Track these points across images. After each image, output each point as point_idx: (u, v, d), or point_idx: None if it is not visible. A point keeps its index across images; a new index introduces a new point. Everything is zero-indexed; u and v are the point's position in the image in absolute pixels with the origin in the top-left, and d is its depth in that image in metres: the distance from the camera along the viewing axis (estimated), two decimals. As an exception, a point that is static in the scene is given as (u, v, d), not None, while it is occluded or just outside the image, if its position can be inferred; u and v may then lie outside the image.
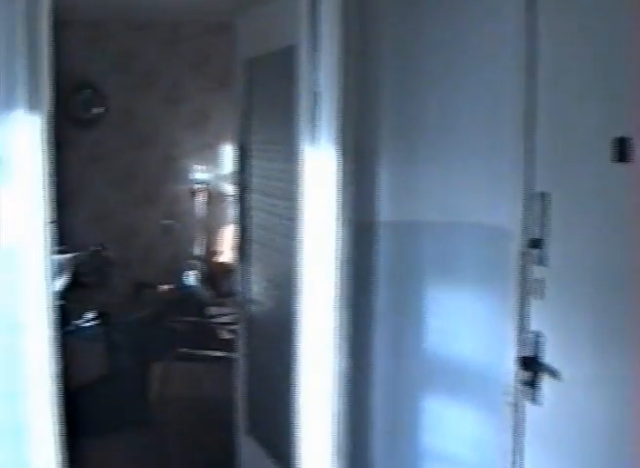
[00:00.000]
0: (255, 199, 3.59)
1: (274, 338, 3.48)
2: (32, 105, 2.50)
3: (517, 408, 2.37)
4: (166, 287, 6.55)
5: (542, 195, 2.26)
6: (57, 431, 2.75)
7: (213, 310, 6.01)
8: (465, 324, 2.77)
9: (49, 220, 2.69)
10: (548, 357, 2.24)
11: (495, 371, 2.51)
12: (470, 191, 2.72)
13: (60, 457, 2.74)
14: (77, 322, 5.40)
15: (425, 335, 2.94)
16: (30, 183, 2.57)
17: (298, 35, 2.91)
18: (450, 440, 2.86)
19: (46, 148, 2.60)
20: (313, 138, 2.89)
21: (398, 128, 2.96)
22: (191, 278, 6.59)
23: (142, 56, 6.82)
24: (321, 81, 2.83)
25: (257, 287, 3.65)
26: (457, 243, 2.81)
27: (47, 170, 2.63)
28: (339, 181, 2.88)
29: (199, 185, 7.00)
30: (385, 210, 2.98)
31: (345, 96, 2.81)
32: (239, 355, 3.88)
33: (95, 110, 6.80)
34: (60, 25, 6.06)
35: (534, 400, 2.28)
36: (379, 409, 3.05)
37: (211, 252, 6.96)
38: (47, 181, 2.63)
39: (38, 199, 2.60)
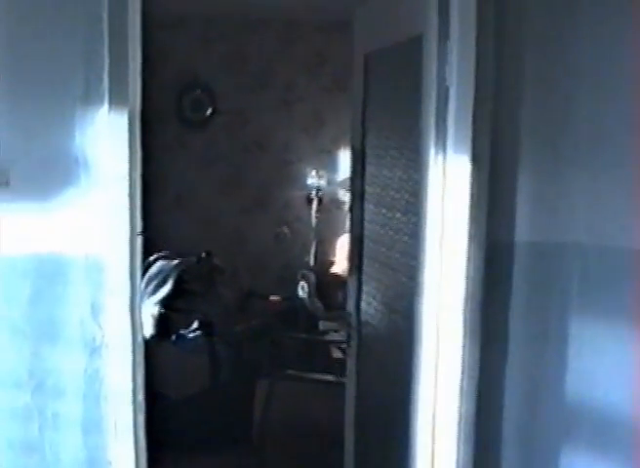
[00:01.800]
0: (368, 210, 3.25)
1: (387, 368, 3.15)
2: (117, 103, 2.20)
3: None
4: (277, 297, 6.29)
5: None
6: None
7: (322, 325, 5.70)
8: (615, 368, 2.42)
9: (137, 231, 2.39)
10: None
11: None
12: (627, 211, 2.35)
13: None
14: (182, 332, 5.19)
15: (566, 378, 2.54)
16: (114, 189, 2.28)
17: (425, 23, 2.54)
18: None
19: (134, 151, 2.31)
20: (440, 142, 2.51)
21: (541, 132, 2.54)
22: (303, 289, 6.30)
23: (255, 55, 6.61)
24: (452, 74, 2.44)
25: (367, 306, 3.31)
26: (608, 271, 2.44)
27: (135, 175, 2.33)
28: (470, 194, 2.49)
29: (314, 191, 6.71)
30: (523, 228, 2.56)
31: (480, 92, 2.41)
32: (348, 380, 3.56)
33: (205, 111, 6.60)
34: (171, 24, 5.96)
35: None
36: (507, 463, 2.62)
37: (324, 262, 6.67)
38: (134, 188, 2.33)
39: (123, 207, 2.30)
